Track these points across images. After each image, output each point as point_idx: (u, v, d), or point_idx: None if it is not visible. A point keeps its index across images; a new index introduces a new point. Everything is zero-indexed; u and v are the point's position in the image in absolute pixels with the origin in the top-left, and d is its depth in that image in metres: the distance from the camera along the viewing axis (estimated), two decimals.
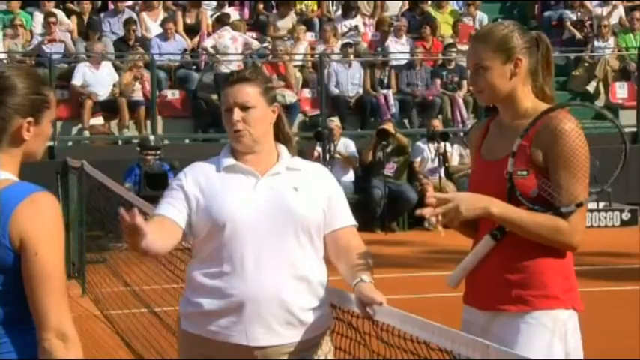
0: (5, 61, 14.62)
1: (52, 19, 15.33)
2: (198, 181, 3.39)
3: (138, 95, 14.78)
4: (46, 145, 2.88)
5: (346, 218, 3.51)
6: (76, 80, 14.54)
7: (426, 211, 3.22)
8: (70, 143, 14.37)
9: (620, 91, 16.85)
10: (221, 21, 16.05)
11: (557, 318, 3.31)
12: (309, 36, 16.62)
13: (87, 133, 14.37)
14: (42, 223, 2.56)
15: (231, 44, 15.66)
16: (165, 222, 3.32)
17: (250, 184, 3.36)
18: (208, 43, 15.79)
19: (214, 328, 3.29)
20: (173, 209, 3.33)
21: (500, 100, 3.37)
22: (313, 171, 3.58)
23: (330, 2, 17.91)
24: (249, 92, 3.36)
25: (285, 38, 16.32)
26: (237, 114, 3.33)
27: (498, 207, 3.24)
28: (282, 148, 3.51)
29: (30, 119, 2.63)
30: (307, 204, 3.36)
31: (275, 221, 3.30)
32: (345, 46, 16.24)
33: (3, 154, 2.65)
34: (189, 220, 3.34)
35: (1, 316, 2.59)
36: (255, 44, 16.20)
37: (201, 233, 3.35)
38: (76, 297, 9.21)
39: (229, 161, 3.40)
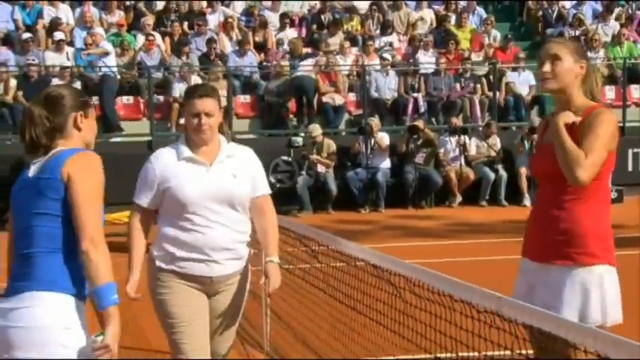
0: (114, 75, 14.86)
1: (151, 38, 15.49)
2: (163, 168, 3.81)
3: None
4: (94, 136, 3.22)
5: (263, 189, 4.03)
6: (174, 93, 14.64)
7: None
8: (163, 138, 14.51)
9: (609, 93, 16.78)
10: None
11: (595, 272, 3.38)
12: (354, 50, 16.55)
13: (173, 130, 14.45)
14: (83, 167, 2.93)
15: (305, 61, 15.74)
16: (144, 213, 3.87)
17: (202, 171, 3.80)
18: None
19: (182, 264, 3.80)
20: (146, 199, 3.84)
21: (560, 89, 3.46)
22: (244, 156, 3.99)
23: (371, 22, 17.81)
24: (212, 105, 3.82)
25: (335, 52, 16.29)
26: (204, 119, 3.78)
27: (560, 130, 3.36)
28: (222, 138, 3.94)
29: (81, 112, 3.06)
30: (242, 186, 3.87)
31: (219, 198, 3.79)
32: (382, 58, 16.26)
33: (67, 141, 3.04)
34: (158, 196, 3.82)
35: (46, 232, 2.89)
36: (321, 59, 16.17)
37: (167, 205, 3.82)
38: None
39: (187, 152, 3.83)
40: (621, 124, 15.67)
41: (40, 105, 3.03)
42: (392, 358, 4.59)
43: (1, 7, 16.16)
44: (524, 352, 3.12)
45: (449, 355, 3.73)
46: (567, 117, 3.40)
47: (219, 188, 3.79)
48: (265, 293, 4.10)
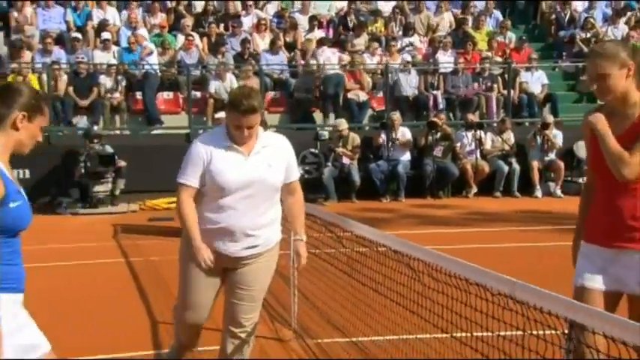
0: (155, 72, 14.92)
1: (190, 39, 15.55)
2: (207, 153, 3.82)
3: None
4: (33, 144, 2.99)
5: (294, 175, 4.04)
6: (211, 89, 14.69)
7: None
8: (200, 131, 14.56)
9: None
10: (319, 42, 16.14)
11: None
12: (378, 50, 16.48)
13: (209, 123, 14.49)
14: None
15: (332, 56, 15.72)
16: (190, 191, 3.86)
17: (241, 160, 3.81)
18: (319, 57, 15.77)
19: (211, 240, 3.84)
20: (192, 178, 3.84)
21: (615, 98, 3.41)
22: (279, 144, 3.99)
23: (394, 24, 17.73)
24: (255, 119, 3.79)
25: (360, 52, 16.25)
26: (246, 131, 3.78)
27: (603, 129, 3.37)
28: (260, 129, 3.91)
29: (24, 113, 2.84)
30: (276, 175, 3.89)
31: (255, 185, 3.81)
32: (404, 58, 16.19)
33: (2, 135, 2.88)
34: (202, 176, 3.82)
35: None
36: (346, 58, 16.14)
37: (207, 187, 3.82)
38: None
39: (228, 143, 3.83)
40: None
41: None
42: (411, 336, 4.59)
43: (54, 10, 16.32)
44: (535, 332, 3.11)
45: (464, 334, 3.73)
46: (604, 120, 3.38)
47: (255, 177, 3.80)
48: (295, 268, 4.10)
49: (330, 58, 15.73)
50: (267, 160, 3.86)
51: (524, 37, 17.62)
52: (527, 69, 16.38)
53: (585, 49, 17.41)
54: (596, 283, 3.37)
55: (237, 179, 3.77)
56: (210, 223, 3.84)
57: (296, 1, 18.05)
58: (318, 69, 15.48)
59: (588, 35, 17.54)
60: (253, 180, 3.80)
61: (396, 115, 14.18)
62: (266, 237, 3.93)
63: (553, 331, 2.85)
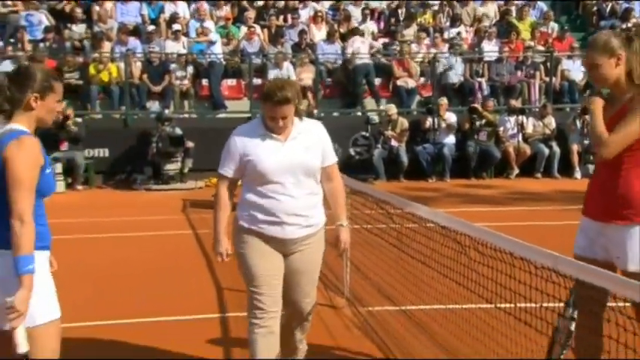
0: (219, 61, 15.00)
1: (252, 30, 15.58)
2: (244, 143, 3.72)
3: (308, 82, 14.84)
4: (53, 116, 3.05)
5: (331, 159, 3.87)
6: (270, 76, 14.68)
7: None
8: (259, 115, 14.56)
9: None
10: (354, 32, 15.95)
11: None
12: (426, 40, 16.25)
13: None
14: (17, 152, 2.79)
15: (362, 46, 15.52)
16: (229, 182, 3.77)
17: (278, 146, 3.69)
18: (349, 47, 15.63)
19: (260, 225, 3.71)
20: (230, 169, 3.74)
21: (609, 85, 3.43)
22: (314, 130, 3.85)
23: (442, 15, 17.47)
24: (289, 110, 3.64)
25: (409, 42, 16.04)
26: (281, 122, 3.65)
27: (596, 107, 3.41)
28: (295, 118, 3.75)
29: (37, 95, 2.91)
30: (313, 158, 3.75)
31: (293, 169, 3.68)
32: (451, 47, 15.91)
33: (22, 115, 2.92)
34: (240, 167, 3.72)
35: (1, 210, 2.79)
36: (377, 45, 15.95)
37: (249, 175, 3.71)
38: None
39: (264, 132, 3.71)
40: None
41: (10, 77, 2.95)
42: (457, 306, 4.54)
43: (131, 5, 16.54)
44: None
45: (508, 305, 3.67)
46: (599, 103, 3.41)
47: (293, 161, 3.68)
48: (339, 253, 3.96)
49: (359, 48, 15.46)
50: (304, 144, 3.74)
51: (566, 27, 17.18)
52: (569, 57, 15.97)
53: None
54: (587, 252, 3.43)
55: (275, 165, 3.66)
56: (260, 210, 3.70)
57: None
58: (352, 57, 15.25)
59: (629, 25, 17.01)
60: (292, 164, 3.68)
61: (444, 101, 14.02)
62: (313, 218, 3.79)
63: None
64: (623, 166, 3.35)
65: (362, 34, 15.83)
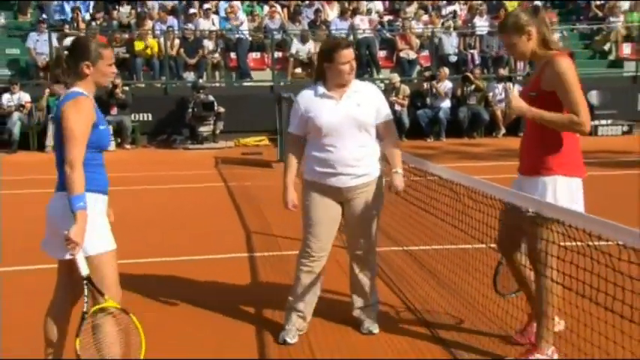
0: (245, 38, 14.78)
1: (273, 9, 15.30)
2: (306, 103, 3.65)
3: None
4: (108, 79, 3.03)
5: (385, 115, 3.71)
6: (292, 50, 14.50)
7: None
8: (281, 83, 14.46)
9: (626, 49, 15.72)
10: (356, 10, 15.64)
11: (552, 181, 3.22)
12: (425, 17, 15.89)
13: (289, 78, 14.34)
14: (71, 111, 2.81)
15: (361, 23, 15.22)
16: (296, 138, 3.69)
17: (334, 104, 3.60)
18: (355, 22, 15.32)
19: (320, 177, 3.63)
20: (296, 127, 3.68)
21: (526, 58, 3.32)
22: (368, 89, 3.72)
23: None
24: (352, 53, 3.60)
25: (410, 18, 15.70)
26: (350, 65, 3.58)
27: (529, 112, 3.20)
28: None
29: (88, 62, 2.90)
30: (365, 113, 3.62)
31: (349, 123, 3.58)
32: (447, 21, 15.59)
33: (81, 81, 2.92)
34: (304, 126, 3.64)
35: (59, 152, 2.85)
36: (376, 21, 15.63)
37: (311, 132, 3.63)
38: None
39: (323, 90, 3.64)
40: (634, 74, 14.80)
41: (66, 50, 2.94)
42: (453, 246, 4.50)
43: None
44: (562, 244, 2.97)
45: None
46: (520, 102, 3.21)
47: (347, 115, 3.57)
48: (392, 193, 3.79)
49: (359, 25, 15.16)
50: (357, 101, 3.62)
51: (548, 5, 16.74)
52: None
53: (599, 14, 16.51)
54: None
55: (331, 120, 3.56)
56: (319, 161, 3.60)
57: None
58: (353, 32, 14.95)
59: (602, 2, 16.59)
60: (346, 119, 3.57)
61: (444, 70, 13.80)
62: (368, 168, 3.64)
63: (576, 243, 2.70)
64: (537, 128, 3.25)
65: (362, 13, 15.53)
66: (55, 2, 15.56)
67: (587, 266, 2.71)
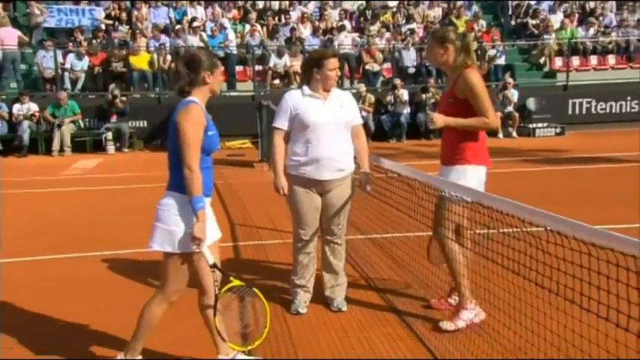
0: (231, 52, 14.65)
1: (254, 27, 15.19)
2: (294, 101, 3.59)
3: (297, 68, 14.53)
4: (220, 87, 2.96)
5: (358, 120, 3.71)
6: (270, 64, 14.41)
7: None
8: (262, 93, 14.38)
9: (558, 62, 15.94)
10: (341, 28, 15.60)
11: (463, 169, 3.41)
12: (387, 34, 15.94)
13: (268, 88, 14.28)
14: (184, 117, 2.71)
15: (346, 39, 15.25)
16: (281, 134, 3.61)
17: (320, 104, 3.56)
18: (338, 40, 15.26)
19: (303, 171, 3.58)
20: (282, 122, 3.60)
21: (439, 64, 3.48)
22: (346, 95, 3.71)
23: (399, 15, 17.12)
24: (337, 62, 3.61)
25: (374, 35, 15.74)
26: (335, 73, 3.57)
27: (451, 122, 3.38)
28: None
29: (208, 72, 2.82)
30: (346, 114, 3.61)
31: (334, 122, 3.55)
32: (405, 39, 15.63)
33: (198, 90, 2.82)
34: (291, 123, 3.58)
35: (173, 155, 2.75)
36: (358, 40, 15.65)
37: (297, 128, 3.58)
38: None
39: (309, 92, 3.59)
40: (564, 83, 15.04)
41: (183, 63, 2.84)
42: (409, 233, 4.54)
43: (161, 9, 16.08)
44: (501, 230, 3.02)
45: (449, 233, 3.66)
46: (439, 119, 3.37)
47: (332, 115, 3.55)
48: (361, 189, 3.80)
49: (343, 41, 15.18)
50: (339, 103, 3.61)
51: (492, 24, 16.95)
52: (493, 46, 15.78)
53: (536, 32, 16.78)
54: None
55: (317, 118, 3.52)
56: (303, 156, 3.55)
57: (329, 0, 17.49)
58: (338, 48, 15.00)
59: (537, 22, 16.88)
60: (330, 118, 3.54)
61: (398, 80, 13.87)
62: (346, 164, 3.63)
63: (514, 229, 2.75)
64: (454, 130, 3.43)
65: (333, 30, 15.57)
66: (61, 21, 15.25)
67: (522, 248, 2.77)
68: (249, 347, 2.89)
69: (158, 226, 2.78)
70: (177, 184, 2.73)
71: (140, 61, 13.96)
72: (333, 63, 3.56)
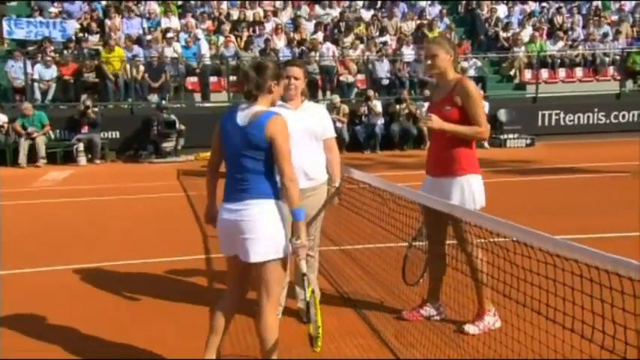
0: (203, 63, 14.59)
1: (228, 39, 15.09)
2: None
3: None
4: (279, 97, 2.95)
5: (330, 133, 3.68)
6: None
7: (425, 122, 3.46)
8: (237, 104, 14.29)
9: (527, 74, 16.24)
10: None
11: (466, 179, 3.41)
12: (361, 46, 16.07)
13: (243, 99, 14.20)
14: (279, 129, 2.70)
15: (327, 51, 15.29)
16: None
17: (290, 114, 3.41)
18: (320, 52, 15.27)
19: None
20: None
21: (439, 73, 3.48)
22: (318, 108, 3.73)
23: (372, 27, 17.27)
24: (299, 73, 3.54)
25: (348, 47, 15.85)
26: (293, 81, 3.50)
27: (447, 126, 3.38)
28: (304, 99, 3.64)
29: (275, 82, 2.81)
30: (317, 125, 3.58)
31: (305, 132, 3.52)
32: (379, 50, 15.76)
33: (262, 98, 2.80)
34: None
35: (261, 171, 2.72)
36: (337, 52, 15.70)
37: None
38: None
39: (280, 102, 3.45)
40: (534, 95, 15.33)
41: (253, 69, 2.79)
42: (381, 244, 4.54)
43: (134, 20, 15.89)
44: (481, 241, 3.03)
45: (419, 243, 3.67)
46: (437, 121, 3.37)
47: (303, 125, 3.52)
48: (334, 203, 3.76)
49: (324, 53, 15.26)
50: (310, 114, 3.60)
51: (463, 37, 17.22)
52: (466, 58, 16.04)
53: (506, 44, 17.10)
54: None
55: (290, 127, 3.34)
56: None
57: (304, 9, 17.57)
58: (319, 59, 15.13)
59: (508, 35, 17.22)
60: (302, 128, 3.50)
61: (371, 92, 13.96)
62: (317, 174, 3.58)
63: (500, 239, 2.77)
64: (446, 137, 3.43)
65: (306, 42, 15.58)
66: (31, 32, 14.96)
67: (489, 259, 2.78)
68: (318, 349, 2.78)
69: (255, 237, 2.67)
70: (263, 191, 2.69)
71: (114, 62, 13.75)
72: (290, 70, 3.52)
